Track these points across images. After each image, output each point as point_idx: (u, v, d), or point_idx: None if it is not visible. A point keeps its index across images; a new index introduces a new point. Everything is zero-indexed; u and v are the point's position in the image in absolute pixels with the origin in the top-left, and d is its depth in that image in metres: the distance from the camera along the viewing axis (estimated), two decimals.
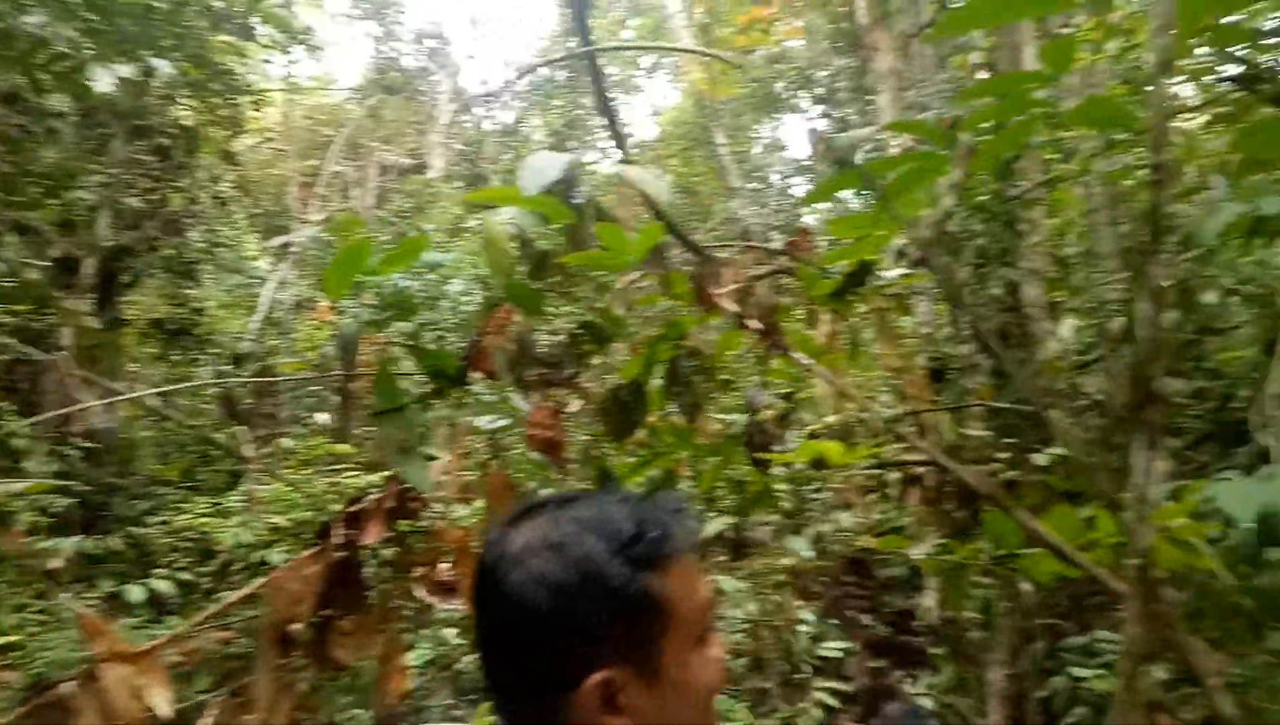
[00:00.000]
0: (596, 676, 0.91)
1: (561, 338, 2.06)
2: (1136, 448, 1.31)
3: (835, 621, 2.41)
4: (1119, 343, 5.10)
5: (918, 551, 2.17)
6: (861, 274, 1.96)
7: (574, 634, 0.93)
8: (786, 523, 1.96)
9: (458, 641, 4.54)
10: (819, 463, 1.85)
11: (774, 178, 16.41)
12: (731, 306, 2.00)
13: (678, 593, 0.96)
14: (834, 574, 2.04)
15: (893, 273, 3.66)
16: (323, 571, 2.35)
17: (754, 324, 1.98)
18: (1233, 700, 3.04)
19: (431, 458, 2.04)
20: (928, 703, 4.75)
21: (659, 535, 0.97)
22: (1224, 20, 1.19)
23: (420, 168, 16.28)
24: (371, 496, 2.35)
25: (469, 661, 4.29)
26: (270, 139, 16.09)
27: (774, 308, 1.99)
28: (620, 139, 2.38)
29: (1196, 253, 4.25)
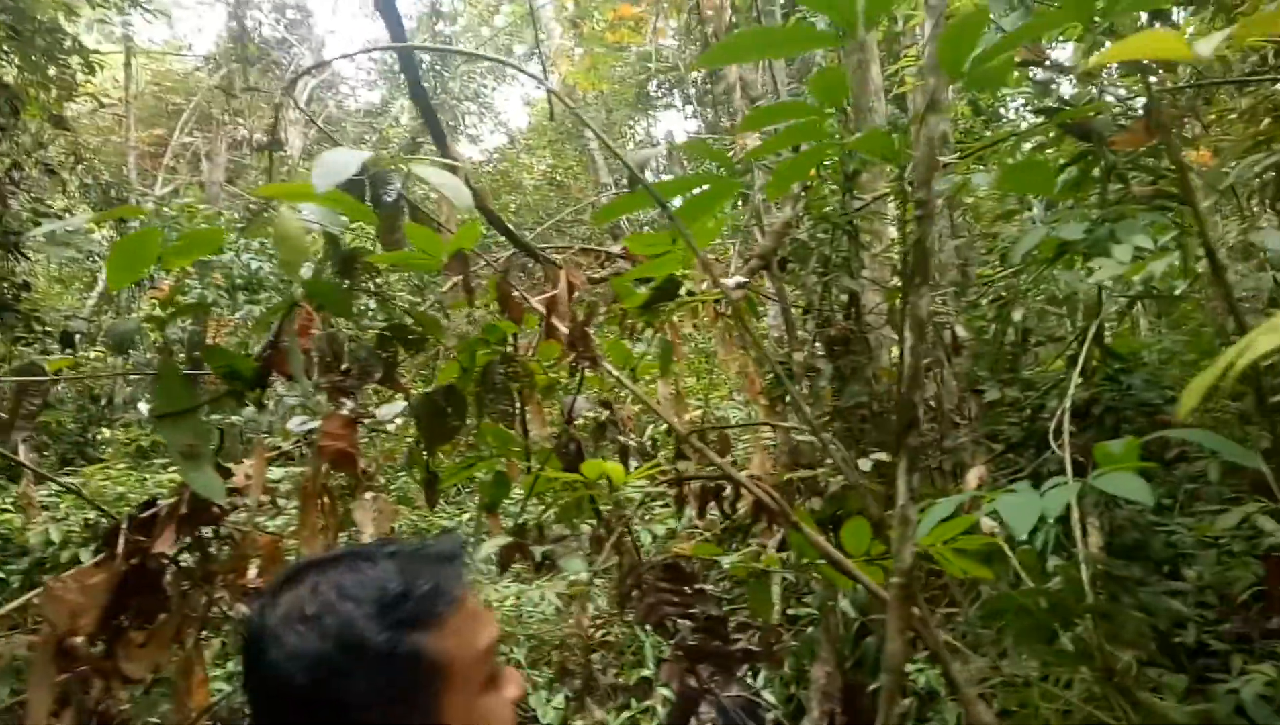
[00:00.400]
0: None
1: (369, 341, 1.98)
2: (900, 470, 1.36)
3: (650, 628, 2.43)
4: (950, 352, 5.39)
5: (730, 558, 2.21)
6: (670, 289, 1.97)
7: (336, 709, 0.88)
8: (603, 533, 1.96)
9: None
10: (606, 479, 1.86)
11: (648, 175, 16.53)
12: (547, 315, 1.97)
13: (454, 646, 0.93)
14: (650, 581, 2.06)
15: (732, 281, 3.73)
16: (110, 580, 2.19)
17: (561, 333, 1.96)
18: (1019, 698, 3.26)
19: (224, 465, 1.92)
20: (770, 696, 4.91)
21: (429, 590, 0.94)
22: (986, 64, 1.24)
23: (276, 144, 15.52)
24: (165, 501, 2.21)
25: None
26: (108, 104, 14.98)
27: (587, 316, 1.98)
28: (439, 135, 2.31)
29: (1012, 271, 4.53)
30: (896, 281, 5.99)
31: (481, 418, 2.09)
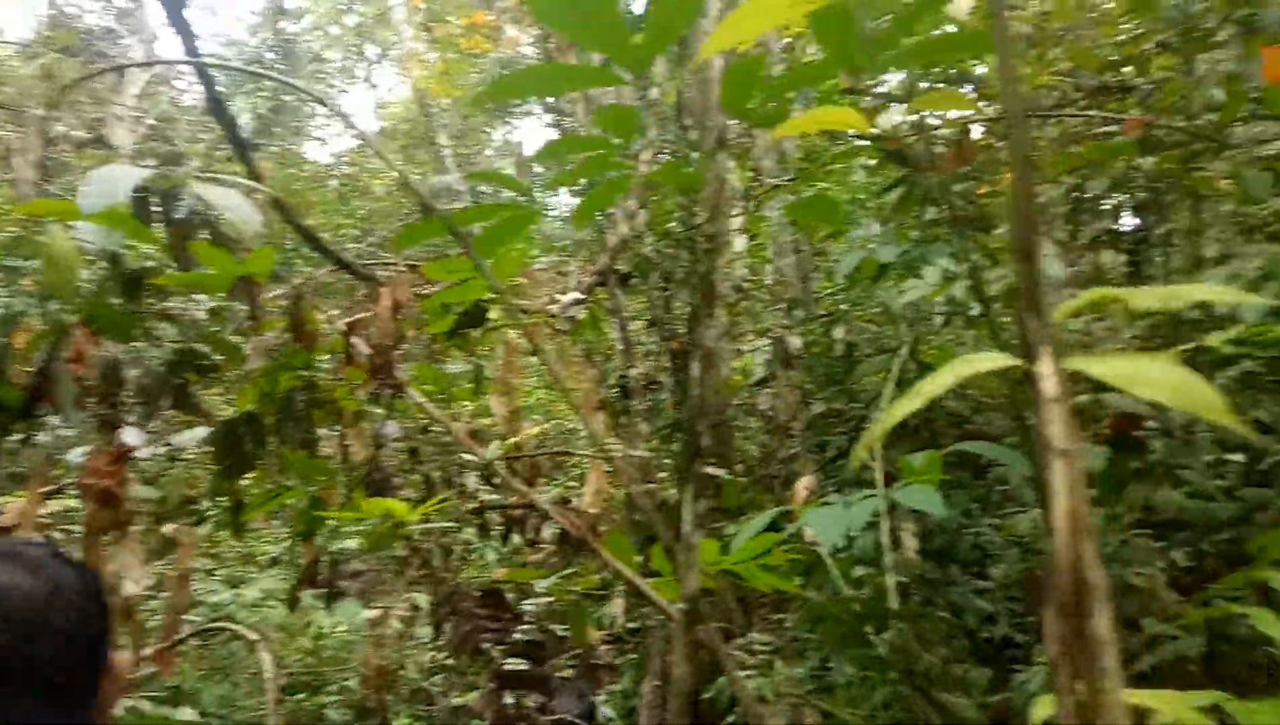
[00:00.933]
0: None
1: (158, 366, 1.85)
2: (685, 498, 1.38)
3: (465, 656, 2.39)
4: (785, 365, 5.58)
5: (546, 583, 2.20)
6: (477, 315, 1.94)
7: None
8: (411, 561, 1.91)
9: None
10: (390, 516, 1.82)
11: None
12: (347, 339, 1.90)
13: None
14: (466, 609, 2.02)
15: (568, 298, 3.74)
16: None
17: (362, 358, 1.90)
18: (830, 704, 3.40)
19: None
20: (609, 710, 4.91)
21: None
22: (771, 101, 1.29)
23: (99, 141, 14.42)
24: None
25: None
26: None
27: (395, 340, 1.92)
28: (242, 149, 2.19)
29: (839, 288, 4.75)
30: (738, 294, 6.17)
31: (283, 445, 1.99)
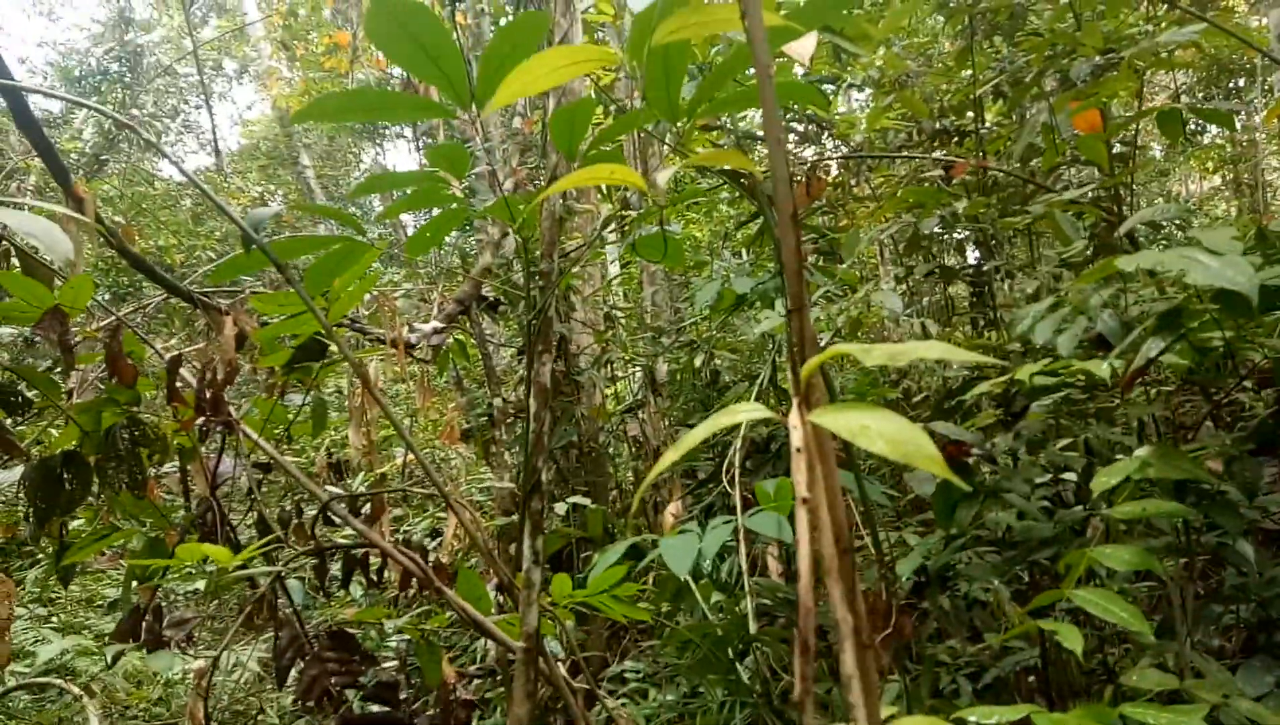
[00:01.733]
0: None
1: None
2: (524, 533, 1.39)
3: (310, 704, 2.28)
4: (654, 392, 5.66)
5: (396, 623, 2.15)
6: (314, 348, 1.89)
7: None
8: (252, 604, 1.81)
9: None
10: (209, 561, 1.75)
11: (376, 203, 15.95)
12: (169, 376, 1.82)
13: None
14: (314, 652, 1.93)
15: (428, 327, 3.68)
16: None
17: (187, 393, 1.82)
18: None
19: None
20: None
21: None
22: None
23: None
24: None
25: None
26: None
27: (227, 376, 1.84)
28: (60, 172, 2.07)
29: (702, 317, 4.87)
30: (607, 323, 6.22)
31: (107, 486, 1.88)
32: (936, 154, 4.60)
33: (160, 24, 14.90)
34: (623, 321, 6.15)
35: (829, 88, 5.28)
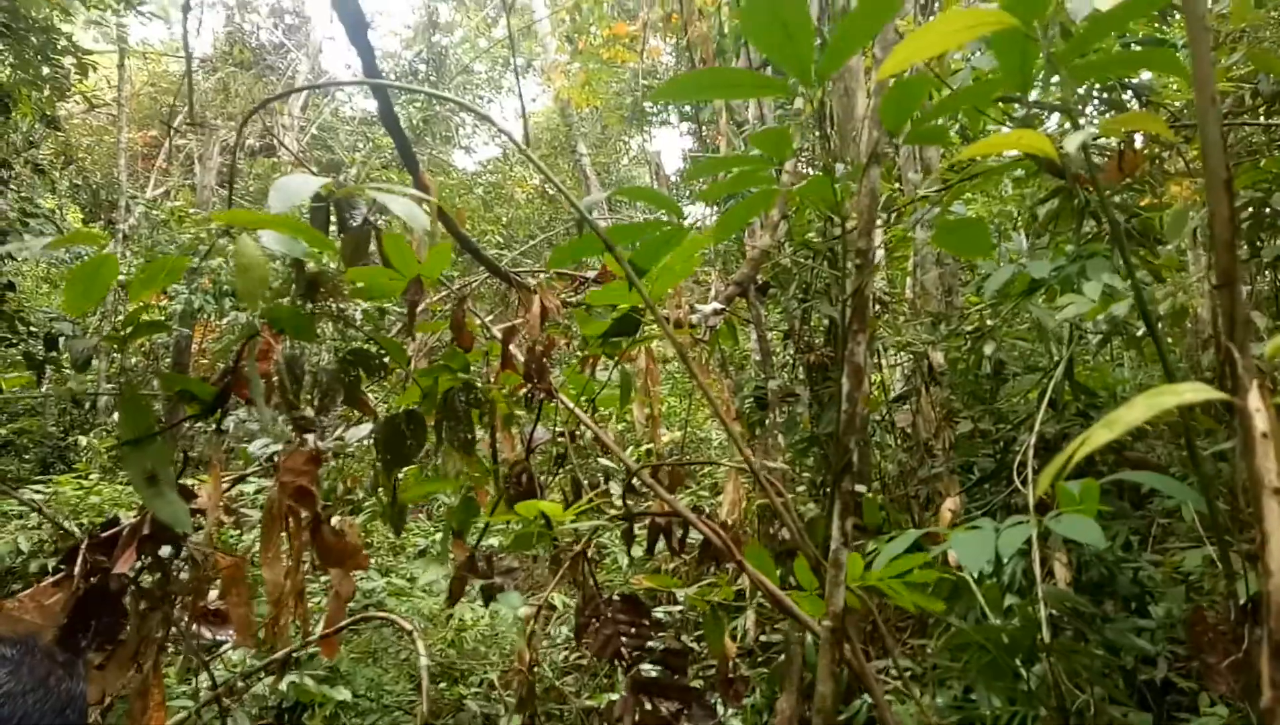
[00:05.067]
0: None
1: (330, 365, 1.99)
2: (834, 513, 1.37)
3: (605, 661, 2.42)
4: (927, 381, 5.42)
5: (685, 591, 2.23)
6: (630, 323, 1.98)
7: None
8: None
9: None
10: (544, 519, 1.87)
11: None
12: (504, 344, 1.98)
13: None
14: (608, 613, 2.06)
15: (709, 307, 3.76)
16: (67, 600, 2.19)
17: (517, 363, 1.98)
18: None
19: (187, 487, 1.93)
20: (738, 724, 4.90)
21: None
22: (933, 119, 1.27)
23: (269, 149, 15.54)
24: (127, 520, 2.21)
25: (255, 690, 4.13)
26: (100, 105, 14.97)
27: (546, 347, 1.99)
28: (410, 159, 2.32)
29: (988, 304, 4.57)
30: (878, 307, 6.04)
31: (440, 444, 2.10)
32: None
33: (459, 25, 16.36)
34: (893, 306, 5.94)
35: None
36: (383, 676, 4.93)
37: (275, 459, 2.34)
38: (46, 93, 10.70)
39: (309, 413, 1.99)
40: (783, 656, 4.77)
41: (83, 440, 8.69)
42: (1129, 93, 5.15)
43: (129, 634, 2.28)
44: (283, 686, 4.14)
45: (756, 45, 1.21)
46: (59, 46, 10.02)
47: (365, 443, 2.64)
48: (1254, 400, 0.53)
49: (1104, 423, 0.62)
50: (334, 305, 1.97)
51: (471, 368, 2.28)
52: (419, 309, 1.95)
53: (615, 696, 5.03)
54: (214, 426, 1.90)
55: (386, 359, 2.23)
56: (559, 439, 2.17)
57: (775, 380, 4.44)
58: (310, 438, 1.77)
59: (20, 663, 1.06)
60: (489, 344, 2.26)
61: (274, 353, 1.90)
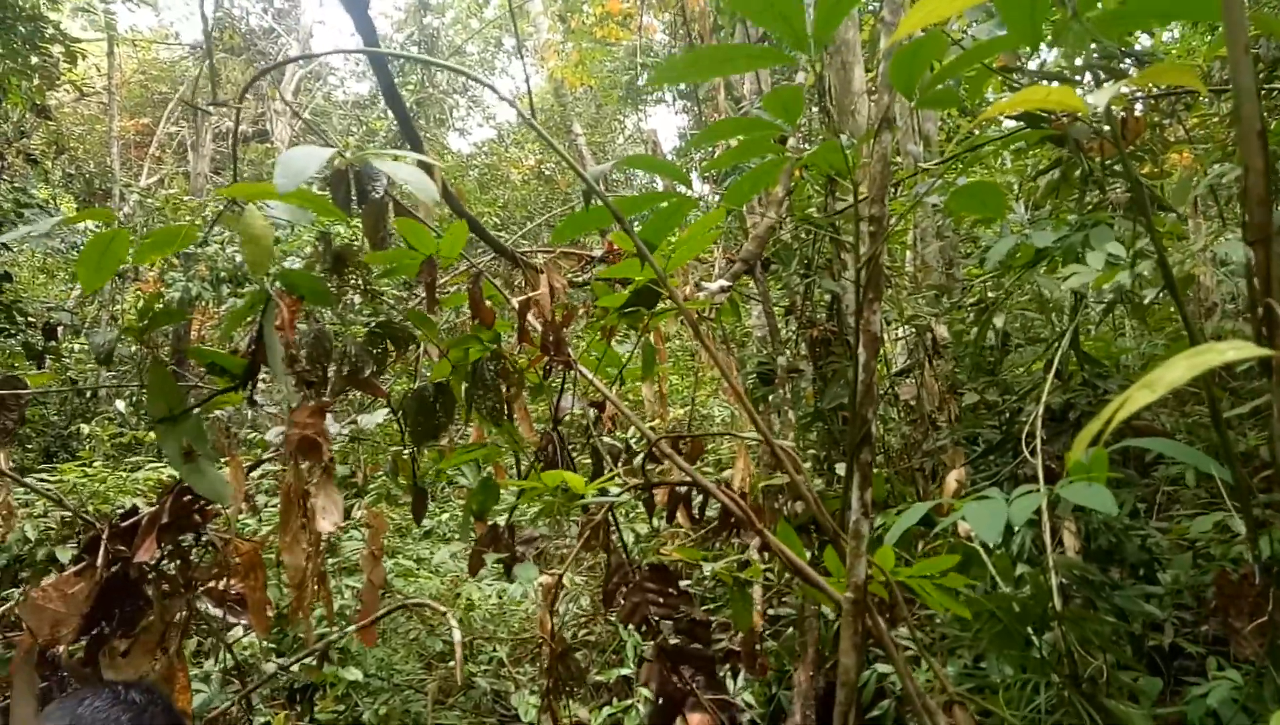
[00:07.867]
0: None
1: (355, 337, 1.99)
2: (853, 485, 1.38)
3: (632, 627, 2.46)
4: (931, 354, 5.43)
5: (712, 565, 2.24)
6: (649, 294, 1.99)
7: None
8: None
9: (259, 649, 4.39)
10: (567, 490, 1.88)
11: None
12: (520, 318, 1.99)
13: None
14: (636, 580, 2.08)
15: (715, 285, 3.76)
16: (90, 589, 2.21)
17: (534, 336, 1.98)
18: (990, 704, 3.31)
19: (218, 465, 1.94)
20: (749, 698, 4.94)
21: None
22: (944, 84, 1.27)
23: (263, 135, 15.43)
24: (147, 509, 2.22)
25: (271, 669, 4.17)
26: (90, 93, 14.85)
27: (564, 319, 2.00)
28: (413, 137, 2.31)
29: (991, 276, 4.58)
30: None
31: (468, 415, 2.11)
32: None
33: (450, 6, 16.23)
34: (894, 280, 5.93)
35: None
36: (393, 656, 4.98)
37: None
38: (36, 82, 10.61)
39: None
40: (790, 629, 4.81)
41: (85, 428, 8.69)
42: (1128, 61, 5.12)
43: (153, 620, 2.30)
44: (295, 668, 4.18)
45: (745, 14, 1.20)
46: (47, 35, 9.93)
47: (378, 427, 2.64)
48: None
49: (1143, 383, 0.63)
50: (360, 278, 1.98)
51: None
52: (434, 285, 1.95)
53: (625, 671, 5.08)
54: (246, 400, 1.91)
55: (415, 333, 2.24)
56: (587, 409, 2.18)
57: (783, 356, 4.44)
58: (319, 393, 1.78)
59: (144, 710, 1.10)
60: (512, 316, 2.26)
61: (295, 320, 1.91)
